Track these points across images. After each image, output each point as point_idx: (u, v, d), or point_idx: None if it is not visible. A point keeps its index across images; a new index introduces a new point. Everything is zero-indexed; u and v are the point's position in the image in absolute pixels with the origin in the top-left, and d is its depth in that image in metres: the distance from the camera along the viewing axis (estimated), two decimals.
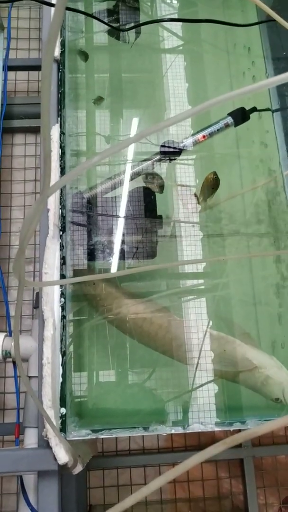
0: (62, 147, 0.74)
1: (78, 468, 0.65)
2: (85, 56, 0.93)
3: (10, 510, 1.24)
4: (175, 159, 0.86)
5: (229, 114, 0.87)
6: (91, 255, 0.78)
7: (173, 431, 0.64)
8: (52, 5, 0.81)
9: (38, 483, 0.61)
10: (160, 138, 0.87)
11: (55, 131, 0.74)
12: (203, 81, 0.96)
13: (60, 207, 0.71)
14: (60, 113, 0.76)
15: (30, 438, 0.72)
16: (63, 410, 0.63)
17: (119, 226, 0.81)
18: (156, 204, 0.83)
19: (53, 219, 0.69)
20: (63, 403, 0.63)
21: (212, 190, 0.82)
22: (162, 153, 0.86)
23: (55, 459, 0.59)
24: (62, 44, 0.81)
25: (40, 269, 0.67)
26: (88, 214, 0.80)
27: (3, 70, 1.10)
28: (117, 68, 0.97)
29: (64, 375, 0.64)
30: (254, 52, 0.96)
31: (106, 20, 0.95)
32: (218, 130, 0.86)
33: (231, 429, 0.64)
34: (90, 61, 0.93)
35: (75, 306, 0.76)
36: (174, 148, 0.86)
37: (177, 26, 0.99)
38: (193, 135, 0.86)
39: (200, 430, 0.65)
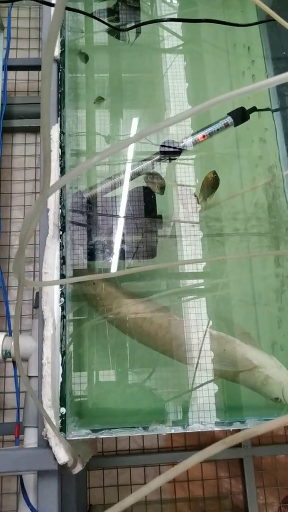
0: (62, 147, 0.74)
1: (78, 468, 0.65)
2: (85, 57, 0.93)
3: (10, 510, 1.24)
4: (175, 159, 0.86)
5: (229, 114, 0.87)
6: (91, 254, 0.78)
7: (173, 431, 0.64)
8: (52, 5, 0.81)
9: (38, 483, 0.62)
10: (160, 138, 0.87)
11: (55, 131, 0.74)
12: (203, 81, 0.96)
13: (60, 206, 0.71)
14: (60, 113, 0.76)
15: (30, 437, 0.72)
16: (63, 410, 0.63)
17: (119, 226, 0.81)
18: (156, 204, 0.83)
19: (53, 219, 0.69)
20: (63, 402, 0.63)
21: (212, 189, 0.82)
22: (162, 153, 0.86)
23: (55, 458, 0.59)
24: (62, 44, 0.81)
25: (40, 269, 0.67)
26: (88, 214, 0.80)
27: (3, 69, 1.10)
28: (117, 68, 0.97)
29: (64, 375, 0.64)
30: (254, 51, 0.96)
31: (106, 19, 0.95)
32: (218, 130, 0.86)
33: (231, 428, 0.64)
34: (90, 61, 0.93)
35: (75, 306, 0.76)
36: (174, 148, 0.86)
37: (177, 26, 0.99)
38: (193, 135, 0.86)
39: (200, 430, 0.65)
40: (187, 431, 0.65)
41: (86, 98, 0.91)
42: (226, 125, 0.86)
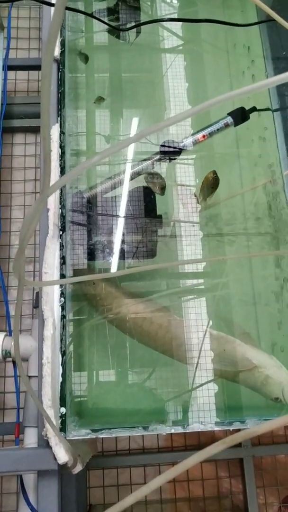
0: (62, 147, 0.74)
1: (78, 468, 0.65)
2: (85, 57, 0.93)
3: (10, 510, 1.25)
4: (175, 159, 0.86)
5: (229, 114, 0.87)
6: (91, 254, 0.78)
7: (173, 431, 0.64)
8: (52, 4, 0.81)
9: (38, 483, 0.62)
10: (160, 138, 0.87)
11: (55, 130, 0.74)
12: (203, 81, 0.96)
13: (60, 206, 0.71)
14: (60, 112, 0.76)
15: (30, 437, 0.72)
16: (63, 410, 0.63)
17: (119, 226, 0.81)
18: (156, 203, 0.83)
19: (53, 219, 0.69)
20: (63, 402, 0.63)
21: (211, 189, 0.82)
22: (162, 152, 0.86)
23: (55, 458, 0.59)
24: (62, 44, 0.81)
25: (40, 268, 0.67)
26: (88, 213, 0.80)
27: (3, 69, 1.10)
28: (117, 67, 0.97)
29: (64, 375, 0.64)
30: (254, 51, 0.96)
31: (106, 19, 0.95)
32: (218, 129, 0.86)
33: (231, 428, 0.64)
34: (90, 61, 0.93)
35: (75, 306, 0.76)
36: (174, 147, 0.86)
37: (177, 26, 0.99)
38: (193, 134, 0.86)
39: (200, 430, 0.65)
40: (187, 431, 0.65)
41: (86, 98, 0.91)
42: (226, 125, 0.86)
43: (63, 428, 0.62)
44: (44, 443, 0.60)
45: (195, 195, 0.83)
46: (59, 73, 0.78)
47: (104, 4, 0.97)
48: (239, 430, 0.64)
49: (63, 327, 0.66)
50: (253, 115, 0.89)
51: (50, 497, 0.60)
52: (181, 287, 0.82)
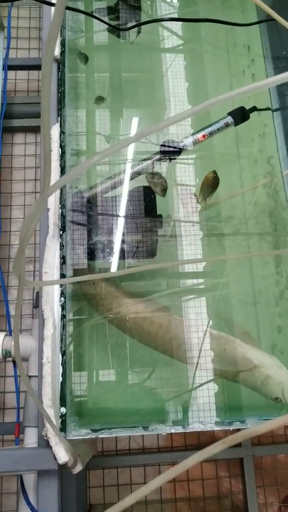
0: (62, 147, 0.74)
1: (78, 468, 0.65)
2: (84, 58, 0.93)
3: (10, 510, 1.25)
4: (175, 159, 0.86)
5: (229, 114, 0.87)
6: (91, 254, 0.78)
7: (173, 431, 0.64)
8: (52, 4, 0.81)
9: (38, 483, 0.62)
10: (160, 138, 0.87)
11: (55, 130, 0.74)
12: (203, 80, 0.96)
13: (60, 206, 0.71)
14: (60, 112, 0.76)
15: (30, 437, 0.72)
16: (63, 410, 0.63)
17: (119, 226, 0.81)
18: (156, 203, 0.83)
19: (53, 219, 0.69)
20: (63, 402, 0.63)
21: (212, 189, 0.82)
22: (162, 152, 0.86)
23: (55, 458, 0.59)
24: (62, 44, 0.81)
25: (40, 268, 0.67)
26: (88, 213, 0.80)
27: (3, 69, 1.10)
28: (117, 67, 0.97)
29: (64, 375, 0.64)
30: (254, 51, 0.96)
31: (106, 18, 0.95)
32: (218, 129, 0.86)
33: (231, 428, 0.64)
34: (90, 60, 0.93)
35: (75, 306, 0.76)
36: (174, 147, 0.86)
37: (177, 26, 0.99)
38: (193, 134, 0.86)
39: (200, 430, 0.65)
40: (187, 431, 0.65)
41: (86, 98, 0.91)
42: (226, 125, 0.86)
43: (63, 428, 0.62)
44: (44, 443, 0.60)
45: (195, 195, 0.83)
46: (59, 73, 0.78)
47: (104, 3, 0.97)
48: (239, 430, 0.64)
49: (63, 327, 0.66)
50: (253, 115, 0.89)
51: (50, 497, 0.60)
52: (181, 287, 0.82)
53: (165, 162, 0.86)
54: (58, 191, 0.72)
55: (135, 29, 0.95)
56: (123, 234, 0.81)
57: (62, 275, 0.68)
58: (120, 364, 0.77)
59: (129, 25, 0.95)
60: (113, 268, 0.78)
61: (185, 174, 0.86)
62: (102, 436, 0.63)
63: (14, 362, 0.80)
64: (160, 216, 0.83)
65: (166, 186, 0.82)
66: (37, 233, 0.72)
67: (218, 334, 0.74)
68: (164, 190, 0.82)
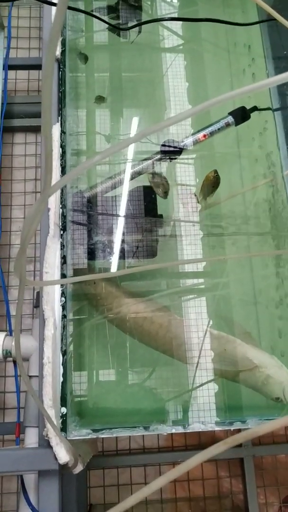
0: (62, 146, 0.74)
1: (79, 468, 0.65)
2: (84, 58, 0.92)
3: (11, 510, 1.25)
4: (175, 158, 0.86)
5: (230, 113, 0.87)
6: (92, 254, 0.78)
7: (173, 431, 0.64)
8: (53, 4, 0.81)
9: (39, 483, 0.62)
10: (160, 138, 0.87)
11: (55, 130, 0.74)
12: (204, 80, 0.95)
13: (60, 206, 0.71)
14: (60, 112, 0.76)
15: (31, 437, 0.72)
16: (63, 410, 0.63)
17: (120, 225, 0.81)
18: (157, 203, 0.83)
19: (54, 219, 0.69)
20: (63, 402, 0.63)
21: (212, 188, 0.82)
22: (162, 152, 0.86)
23: (56, 458, 0.59)
24: (63, 43, 0.81)
25: (41, 268, 0.67)
26: (89, 213, 0.80)
27: (3, 69, 1.10)
28: (118, 67, 0.97)
29: (64, 375, 0.64)
30: (254, 51, 0.96)
31: (107, 17, 0.95)
32: (218, 129, 0.86)
33: (232, 428, 0.64)
34: (90, 60, 0.93)
35: (75, 306, 0.76)
36: (175, 147, 0.86)
37: (177, 25, 0.99)
38: (193, 134, 0.86)
39: (200, 430, 0.65)
40: (188, 431, 0.64)
41: (86, 98, 0.91)
42: (227, 125, 0.86)
43: (63, 428, 0.62)
44: (44, 443, 0.60)
45: (195, 195, 0.83)
46: (60, 73, 0.78)
47: (104, 3, 0.97)
48: (239, 430, 0.64)
49: (64, 326, 0.66)
50: (253, 114, 0.89)
51: (51, 497, 0.60)
52: (181, 287, 0.82)
53: (166, 162, 0.86)
54: (58, 191, 0.72)
55: (136, 29, 0.95)
56: (124, 234, 0.81)
57: (63, 275, 0.68)
58: (121, 364, 0.77)
59: (129, 24, 0.95)
60: (114, 268, 0.78)
61: (185, 174, 0.85)
62: (103, 436, 0.63)
63: (14, 362, 0.80)
64: (161, 216, 0.83)
65: (168, 188, 0.82)
66: (37, 233, 0.72)
67: (219, 334, 0.74)
68: (166, 193, 0.82)
